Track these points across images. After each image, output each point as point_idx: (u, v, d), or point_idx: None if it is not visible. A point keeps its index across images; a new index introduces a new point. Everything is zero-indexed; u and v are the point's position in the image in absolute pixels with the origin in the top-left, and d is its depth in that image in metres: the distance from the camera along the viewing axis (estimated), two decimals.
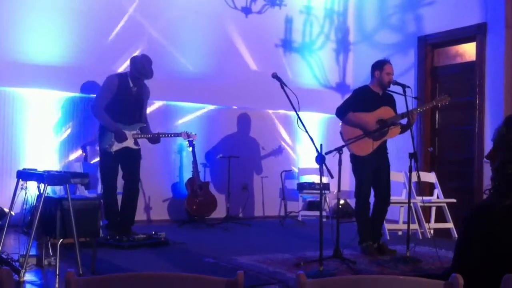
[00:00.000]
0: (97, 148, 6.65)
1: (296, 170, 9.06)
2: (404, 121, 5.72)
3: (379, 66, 5.79)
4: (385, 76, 5.73)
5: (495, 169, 2.12)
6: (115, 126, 6.29)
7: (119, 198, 6.49)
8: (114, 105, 6.34)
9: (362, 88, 5.92)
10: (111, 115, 6.32)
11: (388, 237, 6.72)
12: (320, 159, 4.64)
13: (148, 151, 7.06)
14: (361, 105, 5.71)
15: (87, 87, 7.43)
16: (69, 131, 7.45)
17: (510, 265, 1.91)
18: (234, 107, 8.73)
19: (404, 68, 8.40)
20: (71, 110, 7.48)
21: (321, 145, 4.71)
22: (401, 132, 5.78)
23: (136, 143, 6.45)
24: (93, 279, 1.79)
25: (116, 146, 6.30)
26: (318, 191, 5.33)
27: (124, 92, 6.38)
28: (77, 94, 7.47)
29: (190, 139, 7.09)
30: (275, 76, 4.98)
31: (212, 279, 1.69)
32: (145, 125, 6.57)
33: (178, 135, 6.91)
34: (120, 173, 6.48)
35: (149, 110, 7.01)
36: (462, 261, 2.05)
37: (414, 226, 6.92)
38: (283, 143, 9.13)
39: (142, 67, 6.38)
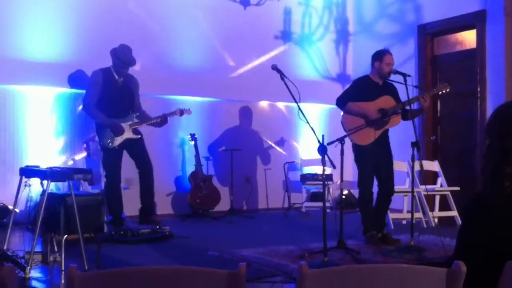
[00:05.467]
0: (98, 145, 6.65)
1: (299, 161, 9.06)
2: (412, 108, 5.62)
3: (379, 56, 5.77)
4: (385, 66, 5.71)
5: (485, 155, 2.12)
6: (109, 121, 6.31)
7: (126, 192, 6.53)
8: (104, 100, 6.38)
9: (362, 78, 5.91)
10: (102, 110, 6.34)
11: (392, 227, 6.73)
12: (322, 149, 4.65)
13: (150, 146, 7.05)
14: (361, 95, 5.71)
15: (87, 82, 7.43)
16: (71, 127, 7.46)
17: (511, 252, 1.91)
18: (235, 100, 8.71)
19: (404, 58, 8.37)
20: (73, 106, 7.48)
21: (322, 136, 4.71)
22: (412, 118, 5.54)
23: (135, 132, 6.47)
24: (96, 273, 1.81)
25: (117, 140, 6.32)
26: (321, 182, 5.34)
27: (111, 85, 6.41)
28: (79, 90, 7.46)
29: (185, 115, 7.06)
30: (275, 68, 4.97)
31: (214, 271, 1.70)
32: (138, 113, 6.58)
33: (172, 113, 6.86)
34: (125, 166, 6.49)
35: (149, 105, 7.01)
36: (464, 249, 2.06)
37: (418, 215, 6.92)
38: (285, 135, 9.13)
39: (124, 55, 6.40)
